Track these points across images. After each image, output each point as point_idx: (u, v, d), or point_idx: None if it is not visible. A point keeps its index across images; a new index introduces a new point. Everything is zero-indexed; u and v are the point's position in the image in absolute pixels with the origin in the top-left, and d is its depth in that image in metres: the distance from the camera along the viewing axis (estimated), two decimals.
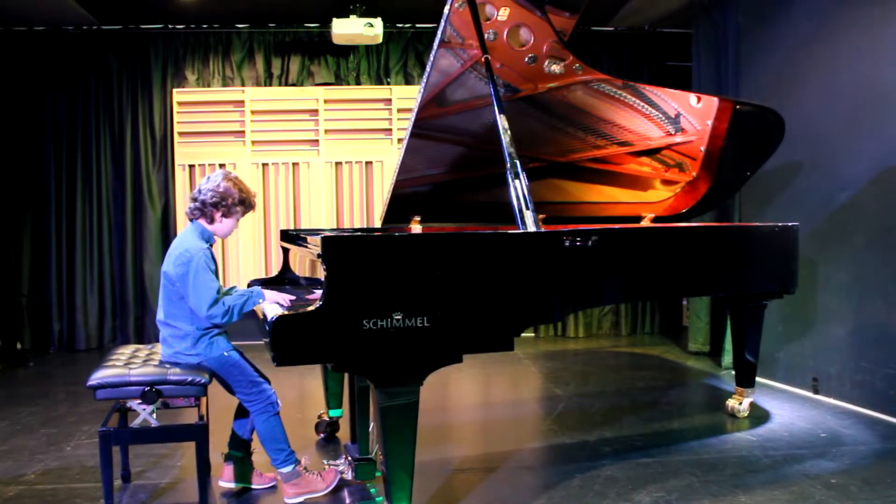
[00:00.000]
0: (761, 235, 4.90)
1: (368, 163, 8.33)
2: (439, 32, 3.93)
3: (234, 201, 3.65)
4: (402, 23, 8.21)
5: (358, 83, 8.34)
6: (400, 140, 8.05)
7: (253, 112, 8.19)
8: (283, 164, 8.25)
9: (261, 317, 3.63)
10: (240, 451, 3.89)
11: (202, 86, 8.18)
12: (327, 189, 8.27)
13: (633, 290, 4.35)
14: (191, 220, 3.71)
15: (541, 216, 4.35)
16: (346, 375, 4.43)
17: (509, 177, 3.71)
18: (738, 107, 5.06)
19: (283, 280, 4.75)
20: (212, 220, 3.67)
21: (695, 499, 3.73)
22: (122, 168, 8.04)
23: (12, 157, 7.91)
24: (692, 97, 5.07)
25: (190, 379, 3.48)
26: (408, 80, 8.36)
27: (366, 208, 8.35)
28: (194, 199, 3.67)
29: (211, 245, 3.69)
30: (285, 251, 4.84)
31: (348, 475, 3.89)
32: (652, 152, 5.27)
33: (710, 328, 7.26)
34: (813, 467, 4.14)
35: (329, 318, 3.09)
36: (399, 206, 4.60)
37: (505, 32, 4.29)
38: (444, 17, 3.90)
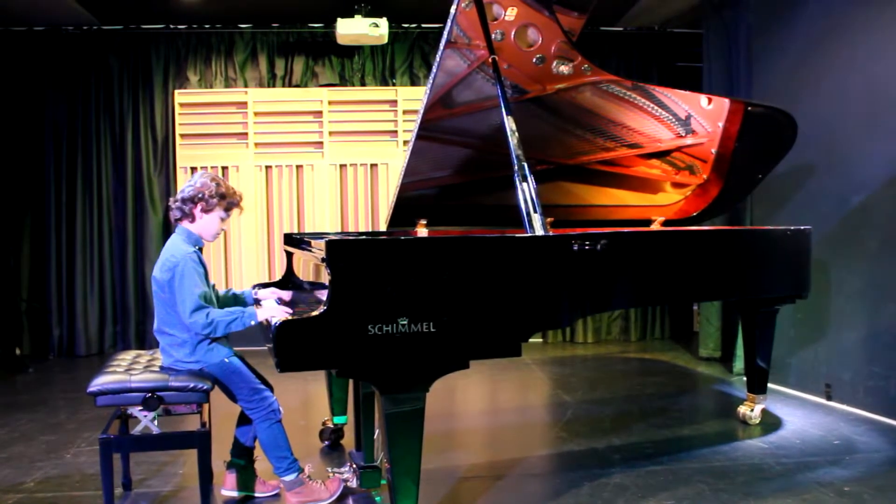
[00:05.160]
0: (773, 239, 4.86)
1: (373, 165, 8.28)
2: (446, 32, 3.91)
3: (212, 194, 3.59)
4: (408, 23, 8.17)
5: (363, 84, 8.29)
6: (405, 142, 7.99)
7: (256, 114, 8.14)
8: (287, 167, 8.20)
9: (264, 322, 3.58)
10: (242, 459, 3.86)
11: (204, 87, 8.14)
12: (332, 192, 8.22)
13: (642, 294, 4.32)
14: (175, 224, 3.70)
15: (549, 219, 4.31)
16: (351, 381, 4.41)
17: (517, 179, 3.68)
18: (749, 108, 5.02)
19: (287, 284, 4.70)
20: (193, 219, 3.64)
21: None
22: (123, 170, 7.99)
23: (11, 159, 7.86)
24: (703, 98, 5.03)
25: (192, 385, 3.46)
26: (413, 81, 8.31)
27: (371, 211, 8.30)
28: (175, 200, 3.65)
29: (200, 248, 3.66)
30: (289, 255, 4.80)
31: (353, 483, 3.84)
32: (662, 154, 5.23)
33: (721, 333, 7.19)
34: (826, 475, 4.10)
35: (333, 323, 3.06)
36: (404, 210, 4.58)
37: (512, 33, 4.26)
38: (451, 17, 3.87)
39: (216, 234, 3.72)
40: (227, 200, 3.66)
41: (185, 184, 3.68)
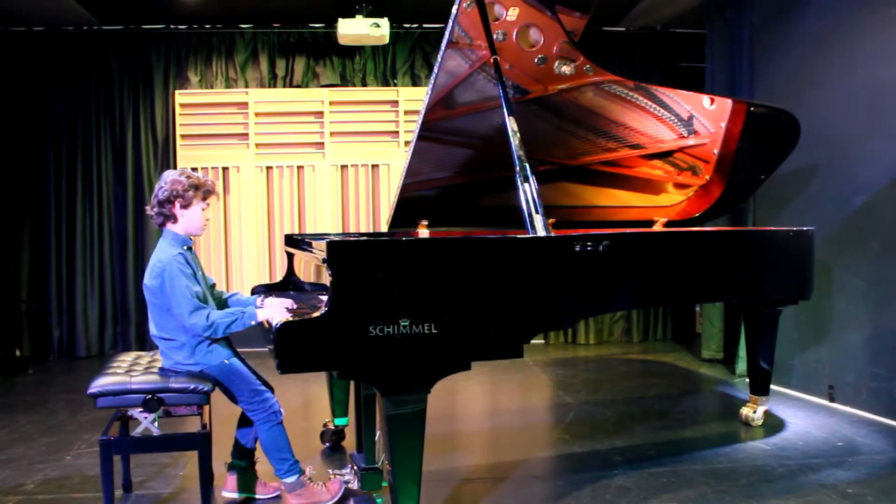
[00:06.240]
0: (776, 240, 4.84)
1: (375, 166, 8.26)
2: (447, 33, 3.89)
3: (185, 188, 3.57)
4: (409, 23, 8.15)
5: (364, 84, 8.27)
6: (407, 143, 7.99)
7: (257, 114, 8.13)
8: (288, 168, 8.18)
9: (265, 323, 3.57)
10: (243, 461, 3.85)
11: (205, 87, 8.12)
12: (333, 192, 8.21)
13: (645, 295, 4.31)
14: (160, 229, 3.68)
15: (551, 220, 4.31)
16: (352, 383, 4.40)
17: (518, 180, 3.66)
18: (752, 109, 5.00)
19: (288, 285, 4.69)
20: (175, 219, 3.62)
21: None
22: (124, 171, 7.97)
23: (11, 159, 7.84)
24: (705, 99, 5.01)
25: (192, 387, 3.45)
26: (415, 82, 8.29)
27: (372, 212, 8.28)
28: (152, 207, 3.63)
29: (189, 248, 3.66)
30: (290, 256, 4.79)
31: (354, 485, 3.83)
32: (664, 155, 5.22)
33: (724, 335, 7.17)
34: (828, 477, 4.09)
35: (334, 324, 3.05)
36: (406, 210, 4.57)
37: (514, 33, 4.24)
38: (452, 17, 3.86)
39: (203, 227, 3.69)
40: (203, 190, 3.63)
41: (155, 188, 3.64)
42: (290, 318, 3.08)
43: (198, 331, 3.43)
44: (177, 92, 8.05)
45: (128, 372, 3.54)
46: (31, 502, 3.84)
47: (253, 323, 3.47)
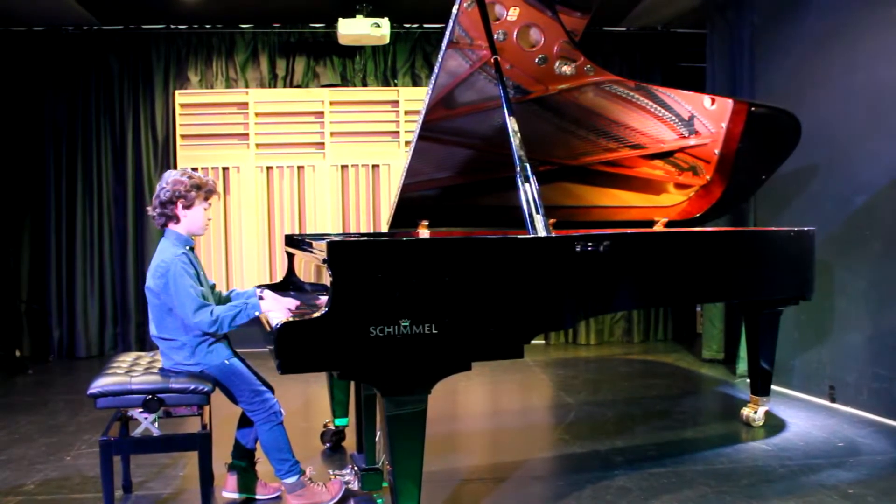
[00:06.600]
0: (777, 240, 4.84)
1: (375, 166, 8.26)
2: (448, 33, 3.88)
3: (187, 188, 3.57)
4: (410, 23, 8.15)
5: (364, 84, 8.27)
6: (407, 143, 7.98)
7: (257, 114, 8.12)
8: (288, 168, 8.18)
9: (265, 323, 3.56)
10: (243, 461, 3.84)
11: (205, 87, 8.11)
12: (333, 193, 8.20)
13: (645, 296, 4.30)
14: (162, 230, 3.66)
15: (551, 221, 4.30)
16: (353, 383, 4.40)
17: (519, 180, 3.65)
18: (753, 109, 5.00)
19: (288, 285, 4.68)
20: (178, 220, 3.61)
21: None
22: (124, 171, 7.96)
23: (11, 160, 7.83)
24: (706, 99, 5.01)
25: (192, 387, 3.45)
26: (415, 82, 8.28)
27: (372, 213, 8.28)
28: (154, 208, 3.62)
29: (192, 248, 3.66)
30: (290, 256, 4.78)
31: (354, 486, 3.83)
32: (665, 155, 5.21)
33: (725, 335, 7.17)
34: (829, 477, 4.09)
35: (335, 324, 3.04)
36: (406, 211, 4.57)
37: (515, 33, 4.24)
38: (453, 17, 3.85)
39: (205, 227, 3.69)
40: (205, 190, 3.63)
41: (157, 188, 3.63)
42: (291, 318, 3.07)
43: (203, 328, 3.43)
44: (177, 92, 8.04)
45: (128, 372, 3.54)
46: (31, 503, 3.83)
47: (257, 314, 3.47)
